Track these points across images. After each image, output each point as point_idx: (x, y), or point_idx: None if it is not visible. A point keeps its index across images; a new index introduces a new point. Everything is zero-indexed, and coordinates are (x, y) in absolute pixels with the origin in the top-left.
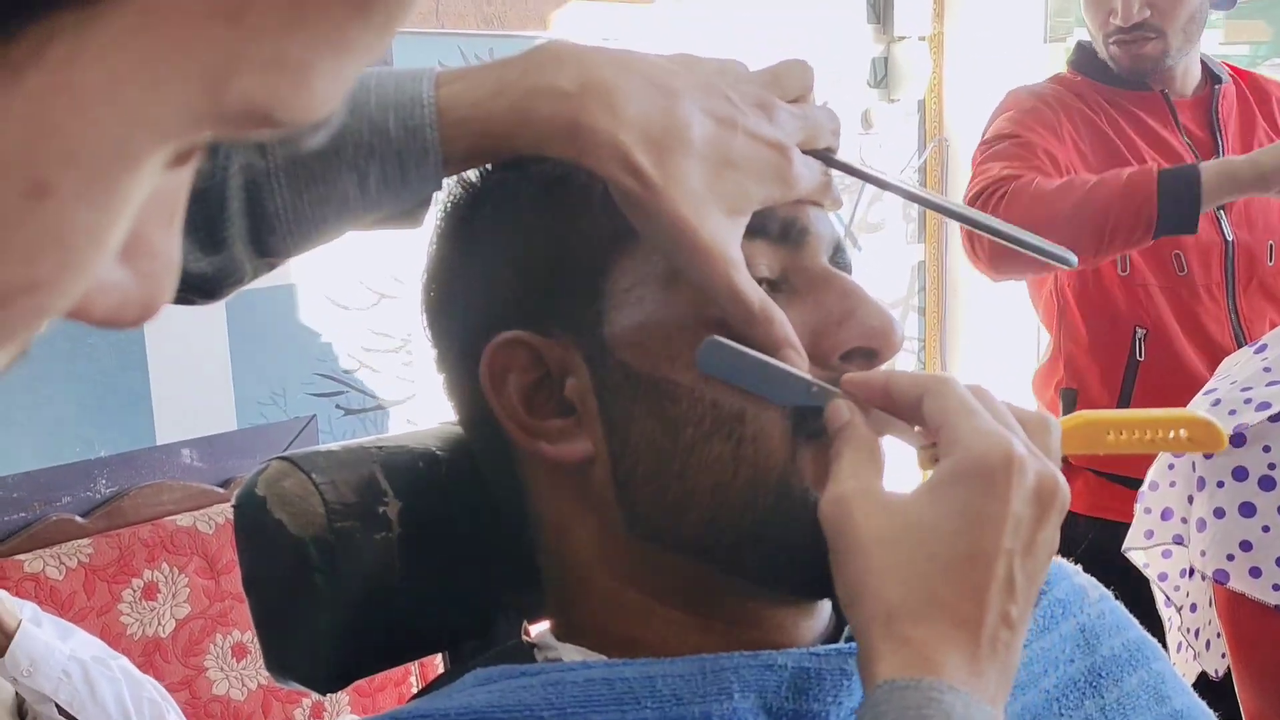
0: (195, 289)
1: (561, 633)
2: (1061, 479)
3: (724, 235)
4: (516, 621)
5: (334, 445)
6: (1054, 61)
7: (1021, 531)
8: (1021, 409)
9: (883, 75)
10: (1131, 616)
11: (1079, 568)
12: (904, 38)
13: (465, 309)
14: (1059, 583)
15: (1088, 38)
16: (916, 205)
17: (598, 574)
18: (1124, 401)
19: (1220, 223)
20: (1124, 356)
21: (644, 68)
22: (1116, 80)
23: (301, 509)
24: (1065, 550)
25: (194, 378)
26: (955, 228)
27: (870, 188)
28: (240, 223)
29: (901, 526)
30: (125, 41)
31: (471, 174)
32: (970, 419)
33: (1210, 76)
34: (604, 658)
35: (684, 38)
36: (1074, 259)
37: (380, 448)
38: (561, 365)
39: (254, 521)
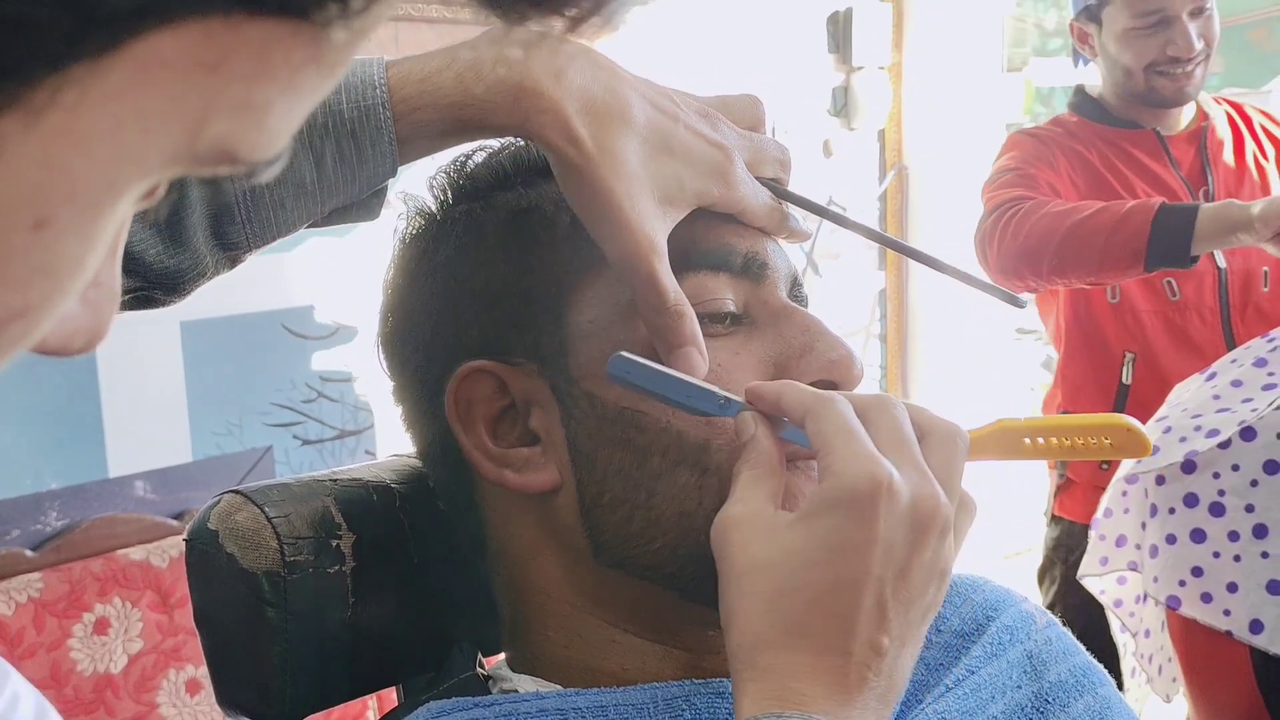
0: (159, 284)
1: (517, 663)
2: (942, 499)
3: (652, 219)
4: (471, 654)
5: (288, 478)
6: (1012, 91)
7: (894, 557)
8: (932, 419)
9: (843, 104)
10: (1078, 643)
11: (1027, 595)
12: (863, 67)
13: (428, 341)
14: (1006, 610)
15: (1046, 68)
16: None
17: (558, 602)
18: None
19: (1213, 253)
20: (1114, 380)
21: (592, 54)
22: (1111, 120)
23: (254, 543)
24: (1063, 560)
25: (148, 408)
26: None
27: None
28: (200, 209)
29: (773, 554)
30: (125, 89)
31: (431, 204)
32: (846, 443)
33: (1202, 113)
34: (558, 688)
35: (645, 67)
36: (1022, 301)
37: (335, 480)
38: (526, 395)
39: (206, 555)
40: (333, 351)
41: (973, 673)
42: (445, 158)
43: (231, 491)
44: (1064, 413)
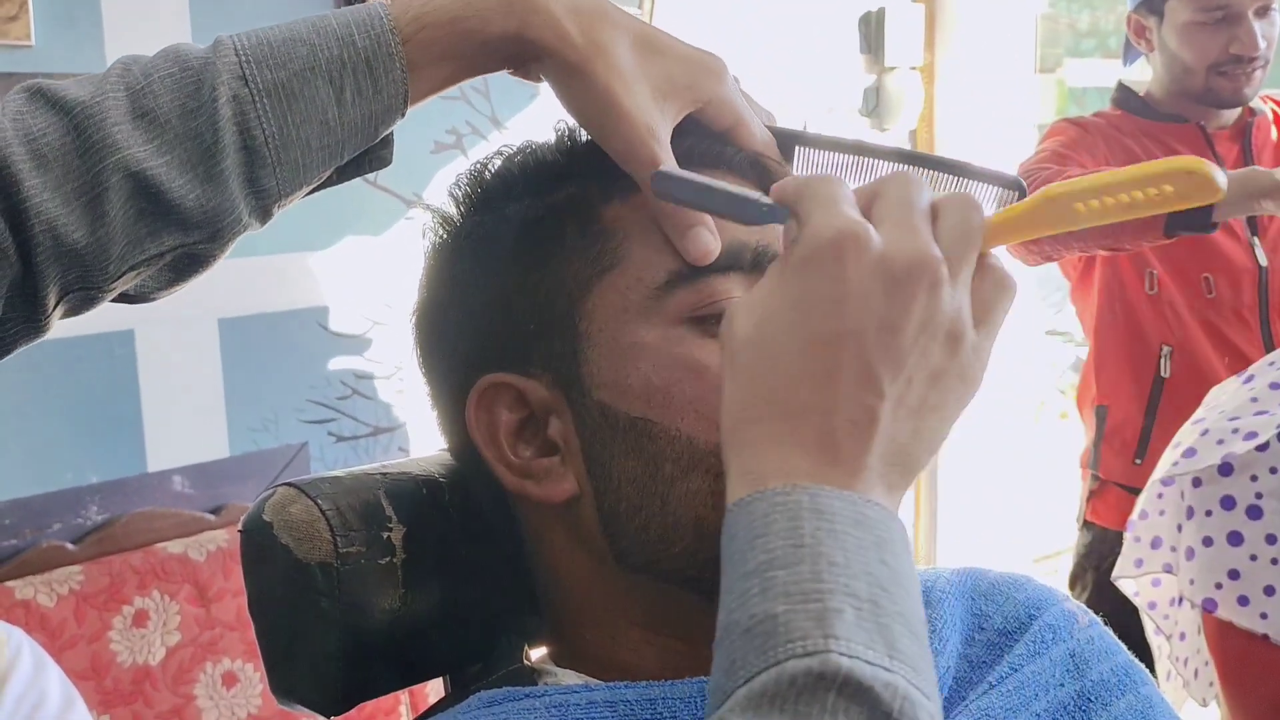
0: (199, 231)
1: (559, 658)
2: (928, 250)
3: (650, 110)
4: (517, 645)
5: (339, 471)
6: (1044, 92)
7: (871, 310)
8: (946, 195)
9: (874, 105)
10: (1120, 642)
11: (1069, 594)
12: (895, 68)
13: (451, 352)
14: (1049, 608)
15: (1079, 69)
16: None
17: (591, 604)
18: (1150, 417)
19: (1255, 249)
20: (1151, 373)
21: None
22: (1155, 114)
23: (308, 534)
24: (1095, 566)
25: (186, 404)
26: None
27: None
28: (235, 156)
29: (752, 327)
30: None
31: (453, 211)
32: (821, 206)
33: (1248, 109)
34: (603, 683)
35: None
36: (1023, 184)
37: (384, 474)
38: (544, 406)
39: (260, 546)
40: (368, 349)
41: (1015, 670)
42: (464, 165)
43: (285, 484)
44: (1100, 407)
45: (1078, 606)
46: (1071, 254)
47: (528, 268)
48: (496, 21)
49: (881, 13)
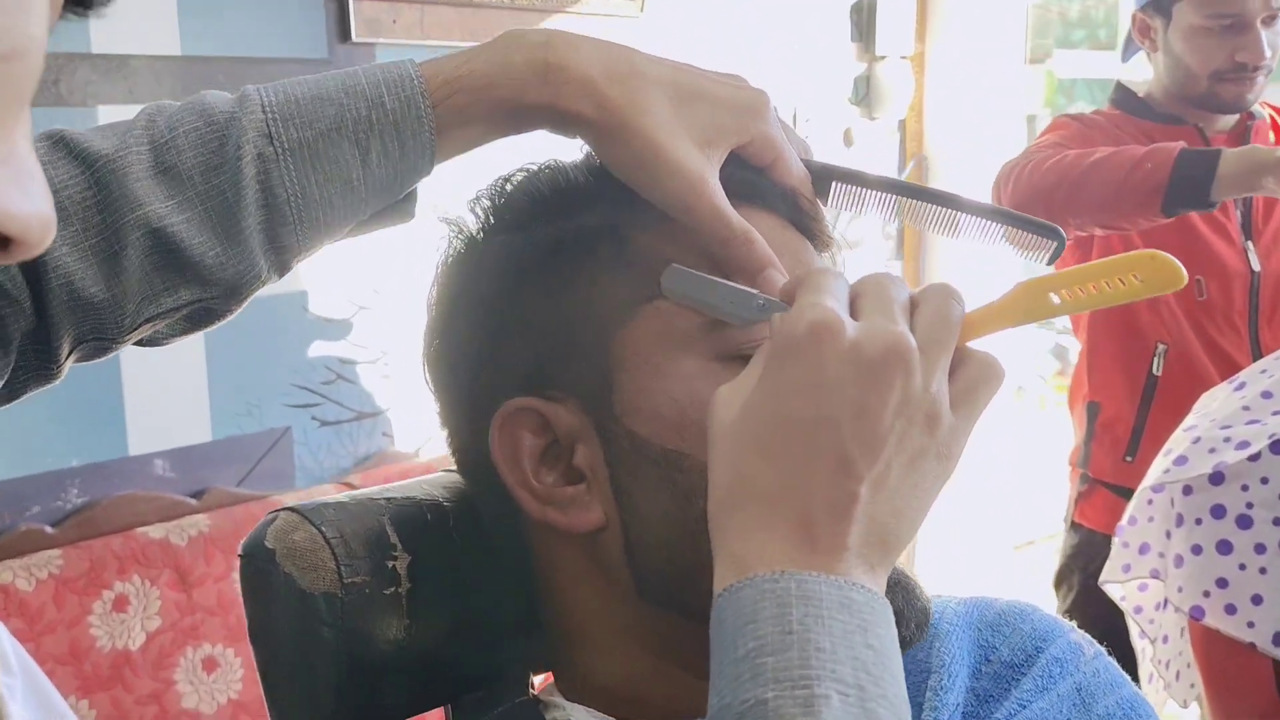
0: (218, 289)
1: (567, 689)
2: (903, 337)
3: (698, 159)
4: (521, 673)
5: (342, 496)
6: (1034, 82)
7: (845, 398)
8: (925, 288)
9: (864, 93)
10: (1124, 673)
11: (1074, 624)
12: (885, 57)
13: (472, 372)
14: (1055, 640)
15: (1069, 60)
16: (895, 222)
17: (603, 634)
18: (1142, 415)
19: (1248, 254)
20: (1144, 371)
21: (597, 38)
22: (1154, 115)
23: (311, 563)
24: (1082, 568)
25: (168, 388)
26: (932, 243)
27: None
28: (256, 214)
29: (735, 414)
30: None
31: (471, 225)
32: (806, 296)
33: (1248, 114)
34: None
35: (669, 53)
36: (1062, 234)
37: (388, 499)
38: (570, 433)
39: (262, 573)
40: (352, 333)
41: (1024, 707)
42: (485, 179)
43: (287, 509)
44: (1092, 404)
45: (1083, 637)
46: (1069, 232)
47: (554, 291)
48: (531, 92)
49: (873, 1)
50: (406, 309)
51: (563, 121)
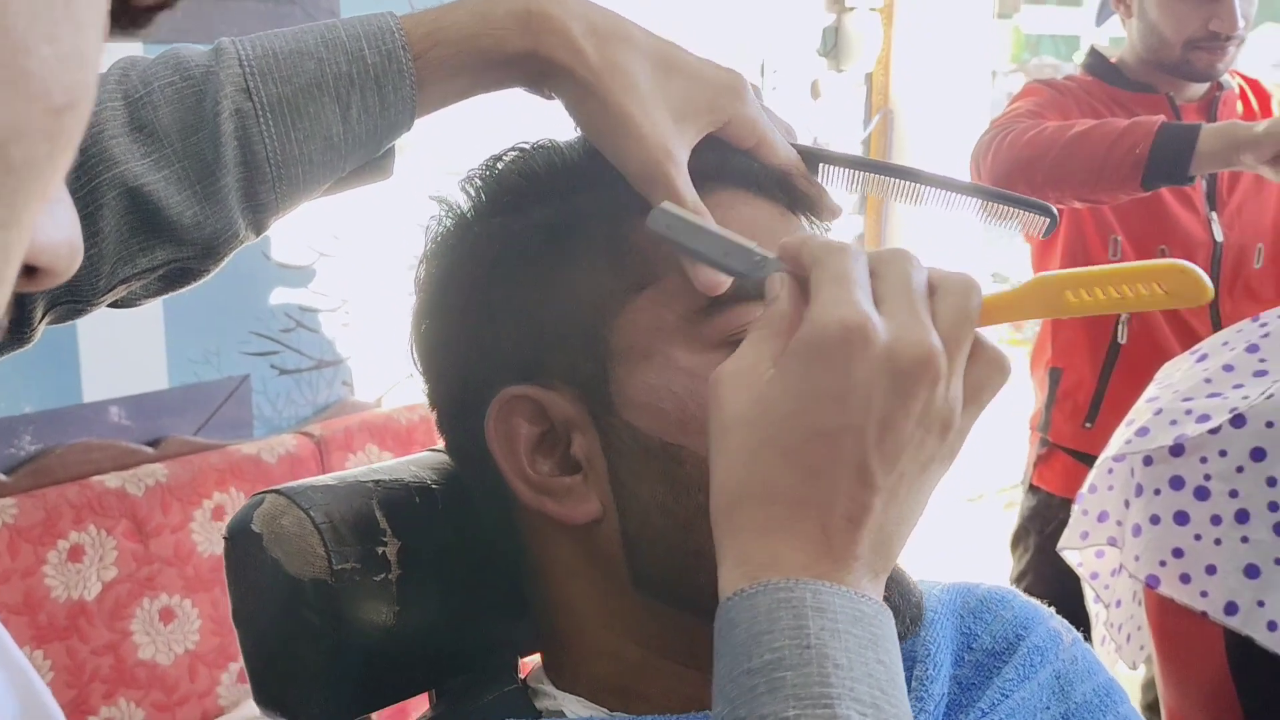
0: (195, 249)
1: (556, 678)
2: (933, 344)
3: (667, 133)
4: (508, 657)
5: (329, 478)
6: (1000, 38)
7: (873, 407)
8: (946, 274)
9: (832, 44)
10: (1099, 660)
11: (1053, 610)
12: (854, 8)
13: (464, 357)
14: (1035, 628)
15: (1036, 16)
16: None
17: (595, 625)
18: (1104, 382)
19: (1211, 224)
20: (1108, 338)
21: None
22: (1125, 83)
23: (300, 549)
24: (1039, 530)
25: (124, 334)
26: (893, 202)
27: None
28: (235, 172)
29: (752, 408)
30: None
31: (463, 204)
32: (831, 288)
33: (1216, 84)
34: (605, 711)
35: (637, 5)
36: (1054, 212)
37: (376, 482)
38: (567, 422)
39: (248, 556)
40: (313, 280)
41: (1007, 696)
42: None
43: (273, 491)
44: (1054, 369)
45: (1061, 624)
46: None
47: (549, 276)
48: (512, 40)
49: None
50: (368, 257)
51: (540, 73)
